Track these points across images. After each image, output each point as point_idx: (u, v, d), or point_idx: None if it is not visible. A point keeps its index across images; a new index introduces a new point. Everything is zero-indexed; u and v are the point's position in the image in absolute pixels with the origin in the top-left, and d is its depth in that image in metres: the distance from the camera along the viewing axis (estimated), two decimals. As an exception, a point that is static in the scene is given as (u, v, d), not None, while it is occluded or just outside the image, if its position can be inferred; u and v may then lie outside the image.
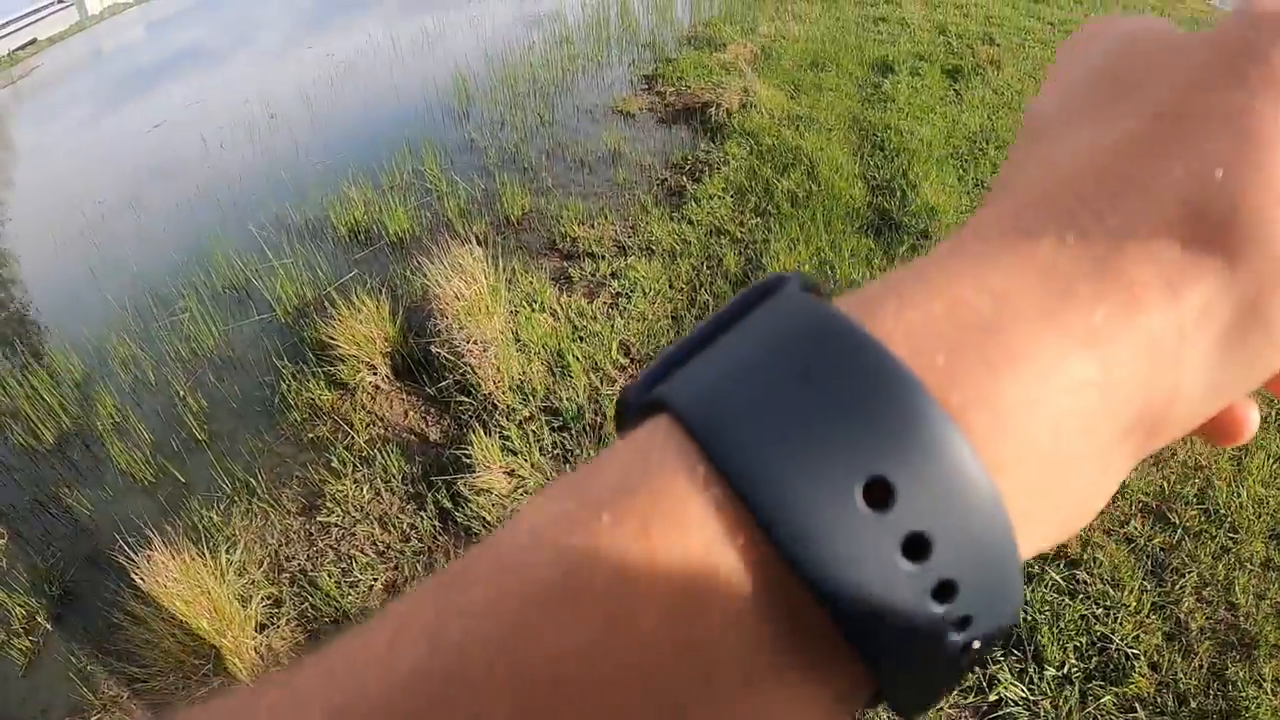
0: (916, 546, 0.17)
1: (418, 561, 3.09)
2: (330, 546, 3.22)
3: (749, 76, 7.25)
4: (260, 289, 5.34)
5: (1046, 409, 0.18)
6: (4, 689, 3.17)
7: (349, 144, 8.04)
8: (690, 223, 4.99)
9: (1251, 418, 0.24)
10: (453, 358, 3.74)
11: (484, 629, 0.18)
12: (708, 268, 4.58)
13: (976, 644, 0.19)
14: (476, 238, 5.20)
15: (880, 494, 0.17)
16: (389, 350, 4.08)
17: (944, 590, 0.17)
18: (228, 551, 3.19)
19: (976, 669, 2.53)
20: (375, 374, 4.01)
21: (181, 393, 4.46)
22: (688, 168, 5.84)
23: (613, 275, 4.51)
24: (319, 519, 3.35)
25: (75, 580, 3.56)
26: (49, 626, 3.34)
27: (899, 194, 5.20)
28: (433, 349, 3.87)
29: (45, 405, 4.62)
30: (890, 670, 0.18)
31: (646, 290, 4.31)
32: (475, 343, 3.68)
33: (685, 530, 0.17)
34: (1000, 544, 0.18)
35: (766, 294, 0.21)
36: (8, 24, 71.67)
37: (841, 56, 7.94)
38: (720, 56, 8.26)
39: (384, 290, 4.62)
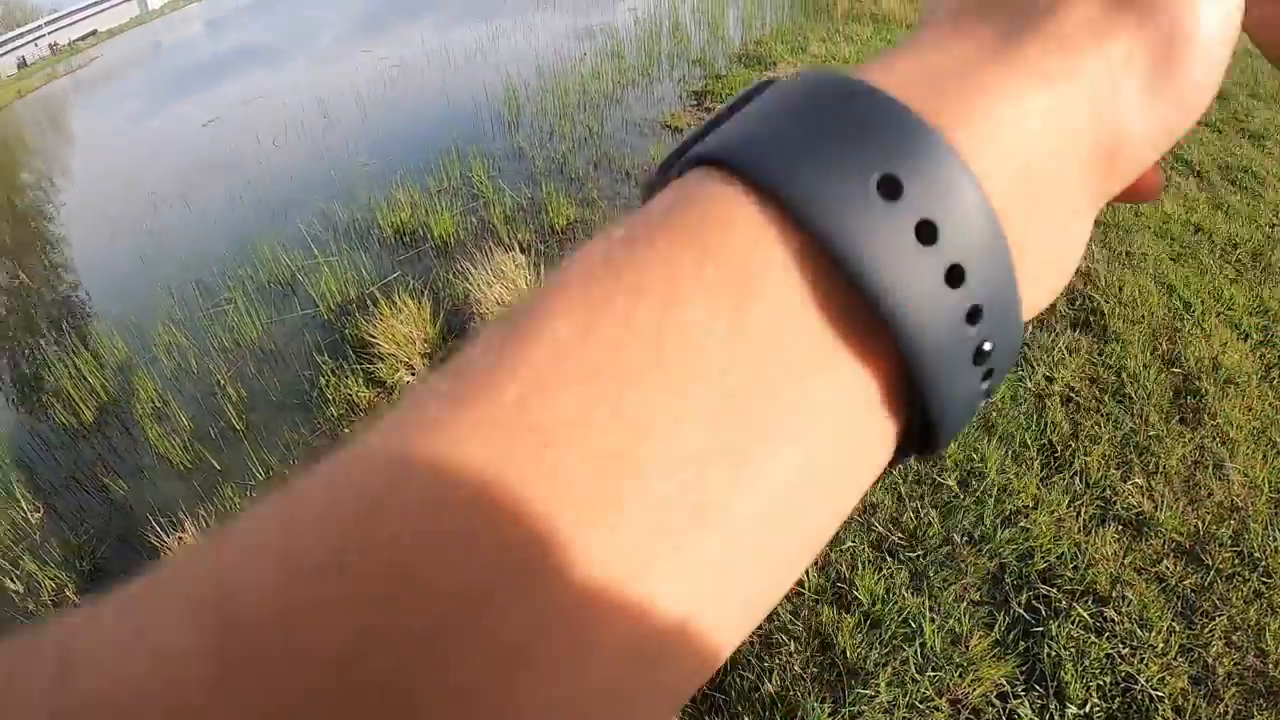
0: (927, 232, 0.20)
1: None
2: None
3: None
4: (304, 285, 5.38)
5: (1015, 130, 0.22)
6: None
7: (399, 147, 8.14)
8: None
9: (1160, 180, 0.29)
10: (492, 362, 3.72)
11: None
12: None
13: (989, 345, 0.22)
14: (520, 245, 5.22)
15: (891, 188, 0.20)
16: (428, 351, 4.09)
17: (954, 275, 0.20)
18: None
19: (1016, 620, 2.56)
20: (413, 374, 4.01)
21: (222, 381, 4.49)
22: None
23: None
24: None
25: (105, 558, 3.56)
26: (77, 601, 3.36)
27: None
28: (472, 352, 3.86)
29: (88, 386, 4.68)
30: (919, 353, 0.20)
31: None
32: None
33: (730, 229, 0.20)
34: (995, 237, 0.21)
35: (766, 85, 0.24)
36: (70, 14, 73.31)
37: None
38: (768, 75, 8.22)
39: (426, 293, 4.63)
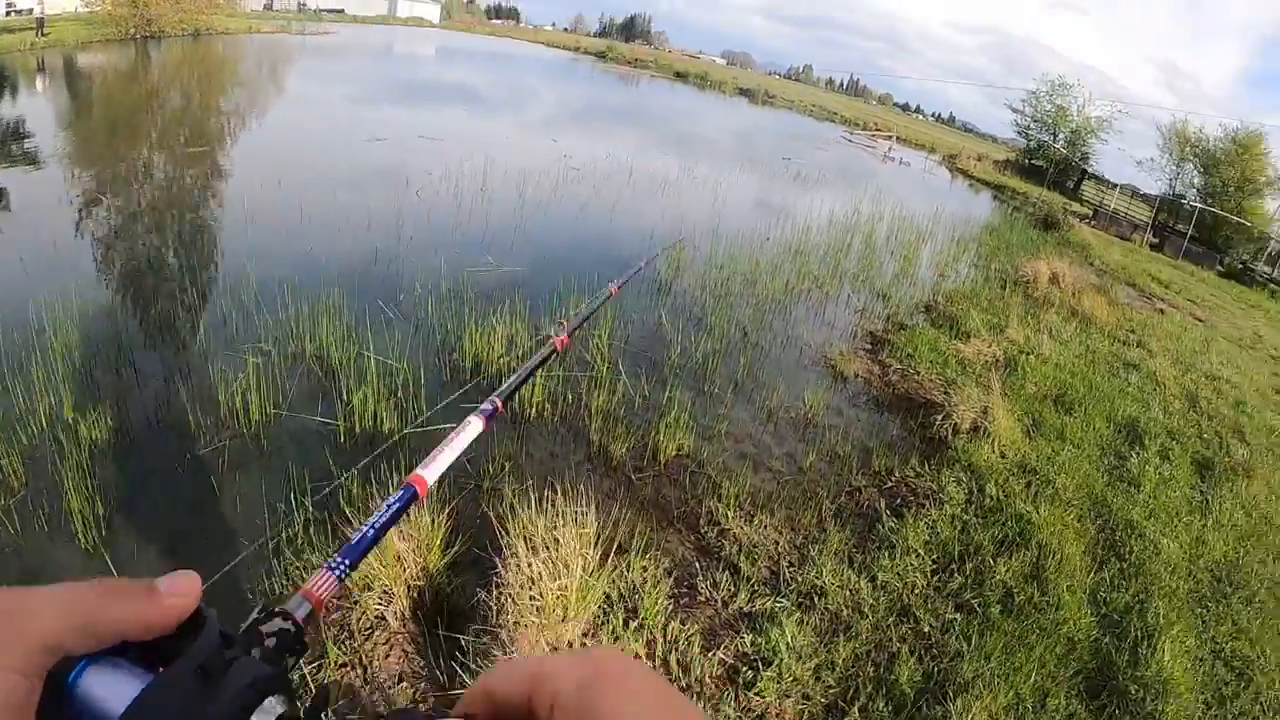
0: None
1: None
2: None
3: (990, 393, 6.00)
4: (352, 369, 4.69)
5: None
6: None
7: (534, 259, 7.32)
8: (872, 579, 3.69)
9: None
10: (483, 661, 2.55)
11: None
12: (873, 664, 3.24)
13: None
14: (609, 459, 4.17)
15: None
16: (418, 584, 2.94)
17: None
18: None
19: None
20: (389, 605, 2.86)
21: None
22: (889, 487, 4.56)
23: (750, 618, 3.25)
24: None
25: None
26: None
27: (1131, 643, 3.84)
28: (466, 637, 2.69)
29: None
30: None
31: (784, 671, 3.01)
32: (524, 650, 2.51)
33: None
34: None
35: None
36: None
37: (1089, 401, 6.75)
38: (960, 349, 7.13)
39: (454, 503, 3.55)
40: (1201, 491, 5.69)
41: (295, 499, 3.47)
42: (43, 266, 6.09)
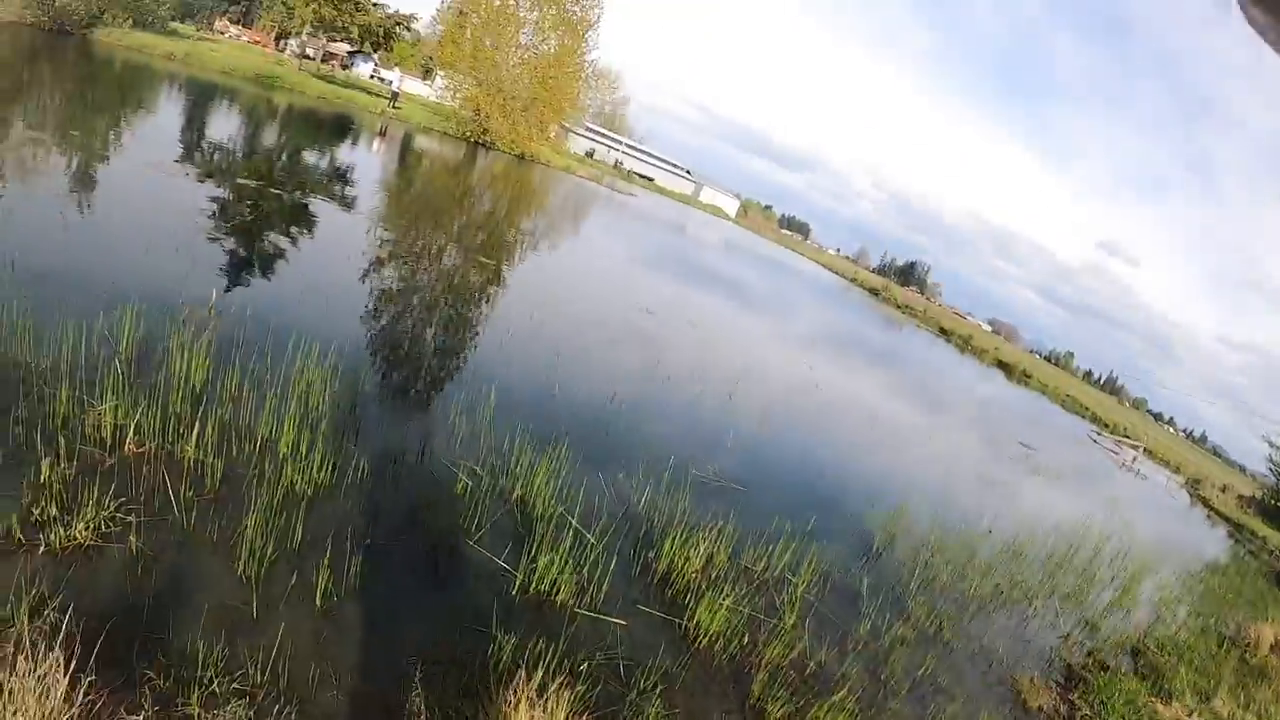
0: None
1: None
2: None
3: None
4: (550, 527, 4.88)
5: None
6: None
7: (757, 484, 7.36)
8: None
9: None
10: None
11: None
12: None
13: None
14: (760, 715, 4.02)
15: None
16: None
17: None
18: None
19: None
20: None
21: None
22: None
23: None
24: None
25: None
26: None
27: None
28: None
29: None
30: None
31: None
32: None
33: None
34: None
35: None
36: (649, 154, 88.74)
37: None
38: (1159, 710, 6.50)
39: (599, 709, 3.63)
40: None
41: (443, 638, 3.61)
42: (312, 303, 7.06)
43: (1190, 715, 6.72)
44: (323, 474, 4.44)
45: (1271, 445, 38.73)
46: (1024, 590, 7.81)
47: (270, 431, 4.69)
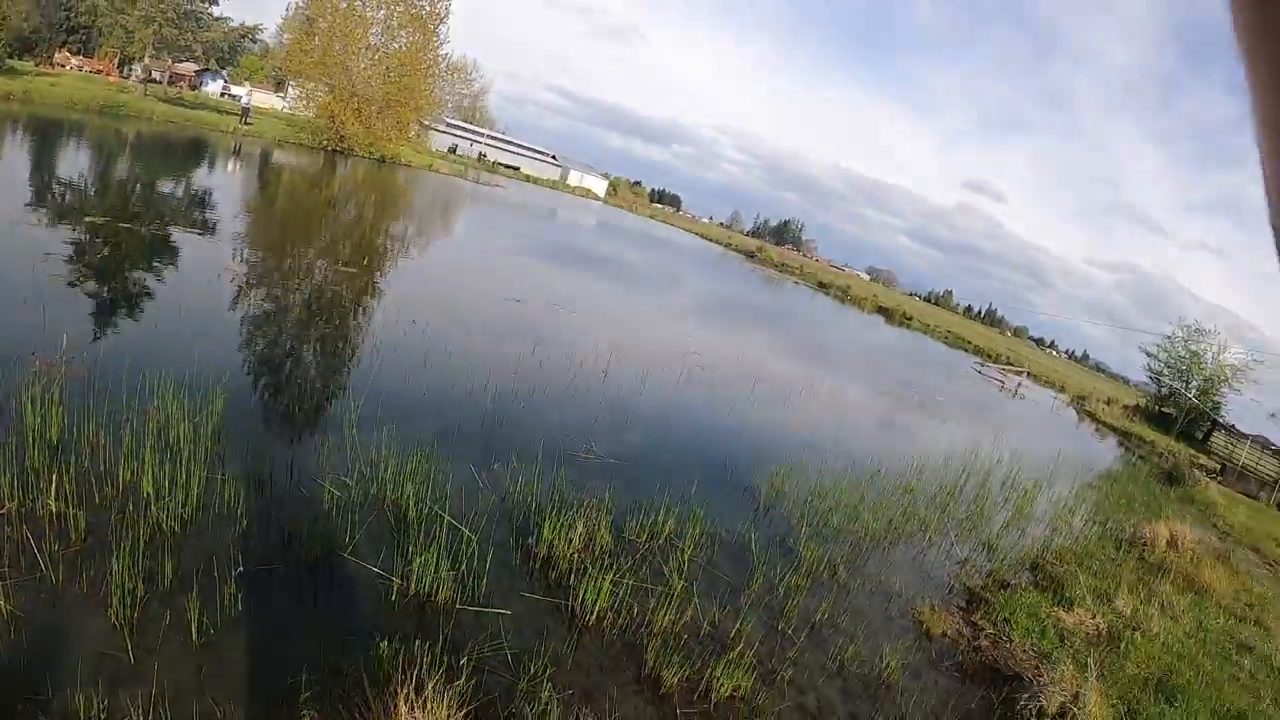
0: None
1: None
2: None
3: (1085, 675, 5.82)
4: (424, 528, 4.78)
5: None
6: None
7: (635, 456, 7.54)
8: None
9: None
10: None
11: None
12: None
13: None
14: (659, 687, 4.13)
15: None
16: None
17: None
18: None
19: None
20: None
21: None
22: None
23: None
24: None
25: None
26: None
27: None
28: None
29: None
30: None
31: None
32: None
33: None
34: None
35: None
36: (512, 143, 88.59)
37: (1193, 688, 6.27)
38: (1061, 618, 6.93)
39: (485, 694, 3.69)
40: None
41: (325, 653, 3.59)
42: (175, 337, 6.89)
43: (1094, 617, 7.15)
44: (188, 509, 4.36)
45: (1148, 355, 41.64)
46: (918, 523, 8.19)
47: (132, 474, 4.55)
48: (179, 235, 10.94)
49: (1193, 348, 40.18)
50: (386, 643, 3.64)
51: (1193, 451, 30.96)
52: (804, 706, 4.45)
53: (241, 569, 4.00)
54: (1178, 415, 38.23)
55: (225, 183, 19.27)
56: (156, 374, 5.71)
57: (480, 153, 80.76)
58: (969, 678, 5.55)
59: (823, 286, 63.09)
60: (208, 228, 12.28)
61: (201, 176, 18.92)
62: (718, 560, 5.87)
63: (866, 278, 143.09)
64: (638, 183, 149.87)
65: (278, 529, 4.50)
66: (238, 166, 23.80)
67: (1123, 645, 6.79)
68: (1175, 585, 9.30)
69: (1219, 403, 38.39)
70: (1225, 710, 6.18)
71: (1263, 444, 30.78)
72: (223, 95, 52.91)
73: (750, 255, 74.21)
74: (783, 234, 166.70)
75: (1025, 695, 5.36)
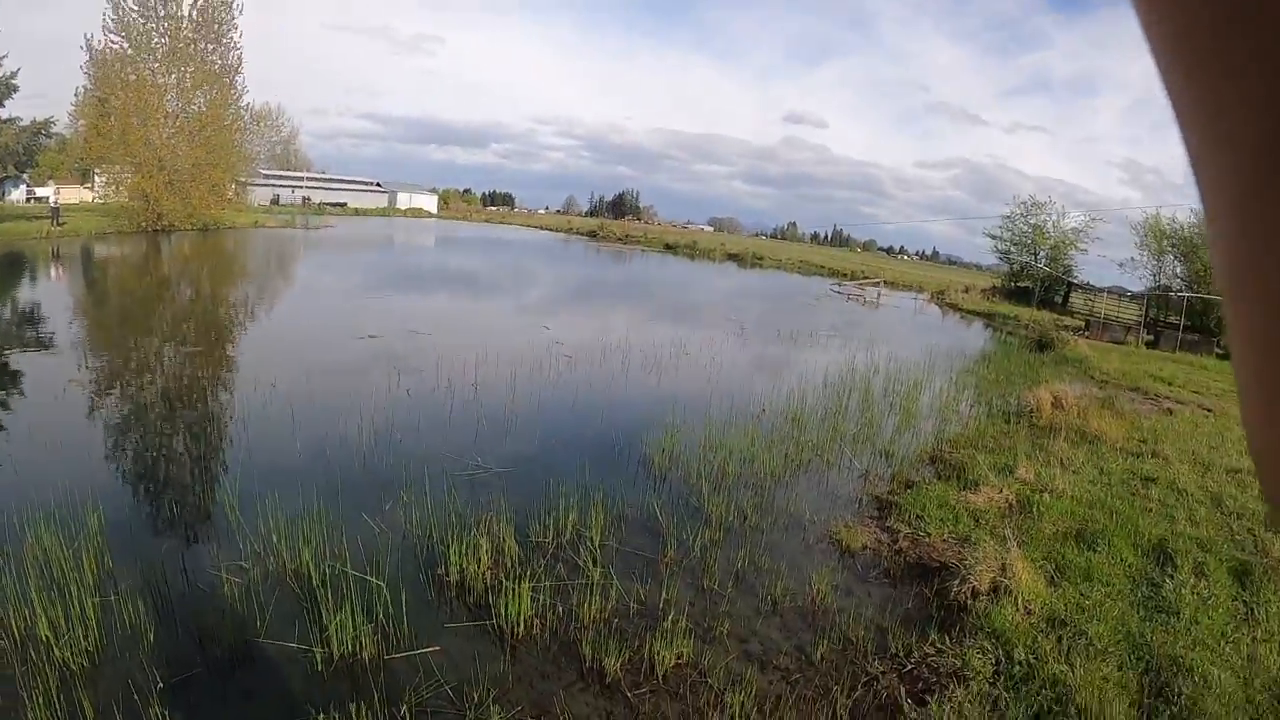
0: None
1: None
2: None
3: (1006, 546, 5.81)
4: (330, 588, 4.39)
5: None
6: None
7: (523, 458, 7.31)
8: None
9: None
10: None
11: None
12: None
13: None
14: (603, 676, 3.98)
15: None
16: None
17: None
18: None
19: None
20: None
21: None
22: (909, 670, 4.34)
23: None
24: None
25: None
26: None
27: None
28: None
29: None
30: None
31: None
32: None
33: None
34: None
35: None
36: (333, 180, 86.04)
37: (1112, 530, 6.46)
38: (970, 500, 6.99)
39: None
40: (1244, 602, 5.37)
41: None
42: (33, 465, 6.20)
43: (1000, 491, 7.23)
44: (91, 641, 3.93)
45: (993, 238, 43.97)
46: (813, 449, 8.23)
47: (25, 619, 4.03)
48: (15, 358, 9.94)
49: (1033, 221, 42.64)
50: (323, 714, 3.40)
51: (1056, 316, 32.78)
52: (749, 653, 4.39)
53: (160, 684, 3.64)
54: (1034, 286, 40.50)
55: (52, 291, 17.81)
56: (24, 509, 5.07)
57: (304, 197, 77.90)
58: (898, 581, 5.58)
59: (670, 248, 63.85)
60: (44, 344, 11.21)
61: (25, 291, 17.41)
62: (628, 539, 5.73)
63: (711, 230, 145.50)
64: (467, 190, 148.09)
65: (187, 633, 4.13)
66: (61, 271, 22.09)
67: (1035, 509, 6.92)
68: (1069, 442, 9.62)
69: (1070, 266, 40.85)
70: (1146, 541, 6.34)
71: (1119, 293, 32.72)
72: (28, 200, 48.95)
73: (592, 235, 74.22)
74: (620, 207, 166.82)
75: (956, 581, 5.38)
